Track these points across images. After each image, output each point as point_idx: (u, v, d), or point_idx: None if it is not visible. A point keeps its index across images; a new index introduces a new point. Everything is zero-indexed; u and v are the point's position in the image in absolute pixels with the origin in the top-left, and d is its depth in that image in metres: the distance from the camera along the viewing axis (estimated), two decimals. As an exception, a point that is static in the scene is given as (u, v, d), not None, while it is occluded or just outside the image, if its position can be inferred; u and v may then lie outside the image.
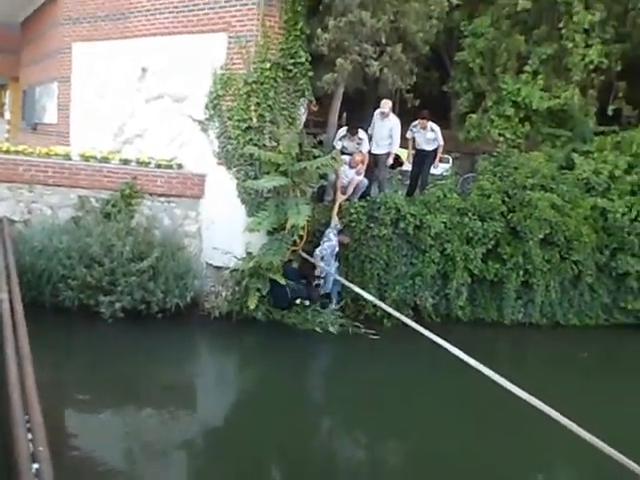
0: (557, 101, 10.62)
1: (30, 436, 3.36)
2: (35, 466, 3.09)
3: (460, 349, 6.01)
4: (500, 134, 10.80)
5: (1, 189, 8.78)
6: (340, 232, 9.20)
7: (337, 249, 9.11)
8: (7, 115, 17.87)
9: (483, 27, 11.06)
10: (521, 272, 10.17)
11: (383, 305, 7.73)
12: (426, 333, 6.36)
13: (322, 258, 8.91)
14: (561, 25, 10.56)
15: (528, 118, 10.91)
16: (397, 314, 7.27)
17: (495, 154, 10.66)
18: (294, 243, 8.97)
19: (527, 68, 10.81)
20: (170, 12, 9.71)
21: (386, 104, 9.84)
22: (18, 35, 16.54)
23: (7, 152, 9.25)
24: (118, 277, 8.23)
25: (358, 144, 9.67)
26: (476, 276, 9.93)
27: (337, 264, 9.24)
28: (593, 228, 10.48)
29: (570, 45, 10.47)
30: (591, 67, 10.50)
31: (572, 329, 10.49)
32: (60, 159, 9.28)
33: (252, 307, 8.65)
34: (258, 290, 8.70)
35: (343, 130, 9.79)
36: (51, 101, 12.78)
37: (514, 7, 10.70)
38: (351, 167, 9.57)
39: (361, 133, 9.68)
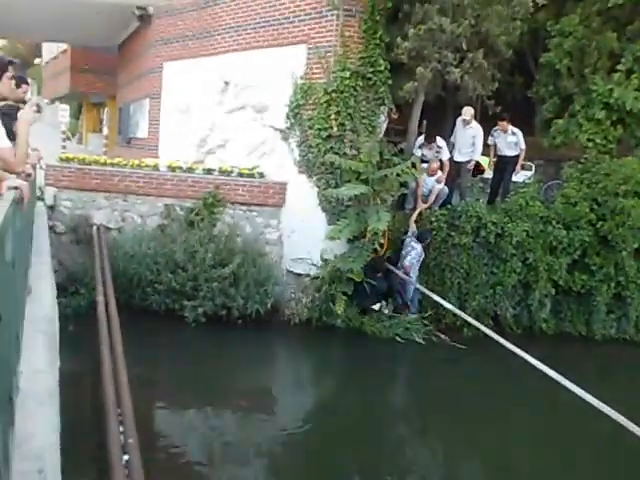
0: (654, 100, 9.97)
1: (121, 429, 3.56)
2: (125, 457, 3.27)
3: (544, 363, 5.79)
4: (589, 139, 10.22)
5: (99, 199, 9.39)
6: (420, 237, 9.10)
7: (423, 256, 9.03)
8: (105, 130, 19.11)
9: (571, 25, 10.49)
10: (612, 284, 9.67)
11: (463, 315, 7.58)
12: (508, 345, 6.18)
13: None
14: (658, 19, 9.93)
15: (621, 121, 10.27)
16: (479, 325, 7.12)
17: (582, 160, 10.17)
18: (374, 251, 8.98)
19: (620, 67, 10.14)
20: (252, 28, 10.06)
21: (467, 111, 9.68)
22: (115, 57, 17.68)
23: (104, 164, 9.87)
24: (201, 283, 8.56)
25: (437, 152, 9.57)
26: (561, 287, 9.54)
27: (417, 272, 9.15)
28: (695, 237, 9.75)
29: (667, 40, 9.82)
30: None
31: (671, 346, 9.82)
32: (149, 170, 9.78)
33: (340, 312, 8.69)
34: (344, 293, 8.75)
35: (421, 139, 9.73)
36: (143, 117, 13.54)
37: (605, 3, 10.09)
38: (430, 175, 9.49)
39: (439, 141, 9.59)
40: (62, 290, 8.20)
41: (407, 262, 8.91)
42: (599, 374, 8.88)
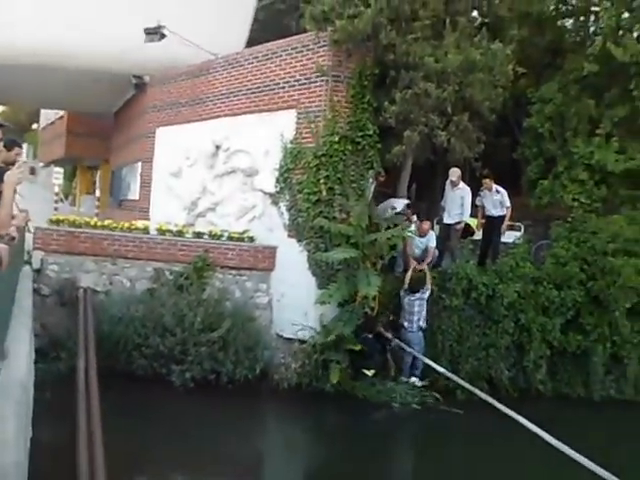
0: (634, 162, 10.27)
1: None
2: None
3: (542, 426, 5.62)
4: (574, 199, 10.47)
5: (88, 262, 9.25)
6: (412, 290, 9.02)
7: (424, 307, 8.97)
8: (97, 192, 19.36)
9: (551, 93, 11.00)
10: (608, 344, 9.58)
11: (457, 378, 7.43)
12: (504, 409, 6.03)
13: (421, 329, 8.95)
14: (632, 86, 10.36)
15: (604, 181, 10.57)
16: (472, 388, 6.97)
17: (570, 220, 10.31)
18: (365, 313, 8.85)
19: (599, 131, 10.58)
20: (243, 94, 10.31)
21: (454, 173, 9.83)
22: (111, 123, 18.10)
23: (95, 226, 9.82)
24: (189, 347, 8.40)
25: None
26: (556, 348, 9.43)
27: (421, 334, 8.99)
28: (688, 295, 9.74)
29: (643, 106, 10.24)
30: (667, 127, 10.22)
31: (672, 407, 9.61)
32: (140, 233, 9.74)
33: (335, 381, 8.50)
34: (338, 363, 8.58)
35: (403, 203, 9.74)
36: (135, 180, 13.68)
37: (581, 71, 10.64)
38: (420, 236, 9.51)
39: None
40: (43, 355, 7.99)
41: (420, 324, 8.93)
42: (599, 437, 8.58)
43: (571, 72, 11.08)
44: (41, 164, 25.39)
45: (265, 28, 14.86)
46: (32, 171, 30.13)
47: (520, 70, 9.39)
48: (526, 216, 12.25)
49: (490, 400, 6.45)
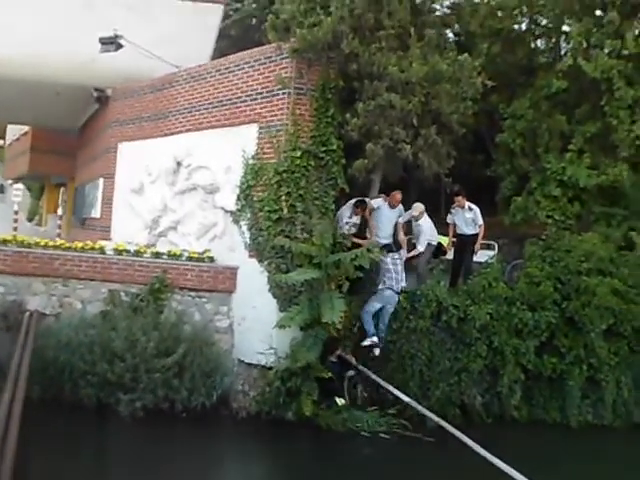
0: (606, 178, 10.09)
1: None
2: None
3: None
4: (548, 216, 10.28)
5: (36, 284, 8.82)
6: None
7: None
8: (60, 211, 18.71)
9: (522, 109, 10.92)
10: (584, 367, 9.22)
11: (421, 408, 7.03)
12: (467, 441, 5.60)
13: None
14: (603, 102, 10.22)
15: (577, 197, 10.42)
16: (436, 418, 6.55)
17: (543, 238, 9.99)
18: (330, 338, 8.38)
19: (571, 147, 10.49)
20: (205, 109, 9.92)
21: (417, 208, 9.29)
22: (76, 139, 17.56)
23: (45, 246, 9.37)
24: (141, 374, 7.90)
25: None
26: (530, 372, 9.06)
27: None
28: (665, 315, 9.44)
29: (614, 122, 10.08)
30: (639, 142, 10.04)
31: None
32: (95, 253, 9.27)
33: (308, 414, 8.04)
34: (309, 394, 8.10)
35: (351, 203, 9.06)
36: (97, 197, 13.17)
37: (551, 88, 10.59)
38: (392, 207, 9.17)
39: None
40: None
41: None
42: (575, 466, 8.11)
43: (542, 89, 11.02)
44: (10, 182, 24.63)
45: (236, 44, 14.61)
46: (1, 189, 29.39)
47: (490, 84, 9.11)
48: (502, 235, 11.99)
49: (453, 430, 6.03)
